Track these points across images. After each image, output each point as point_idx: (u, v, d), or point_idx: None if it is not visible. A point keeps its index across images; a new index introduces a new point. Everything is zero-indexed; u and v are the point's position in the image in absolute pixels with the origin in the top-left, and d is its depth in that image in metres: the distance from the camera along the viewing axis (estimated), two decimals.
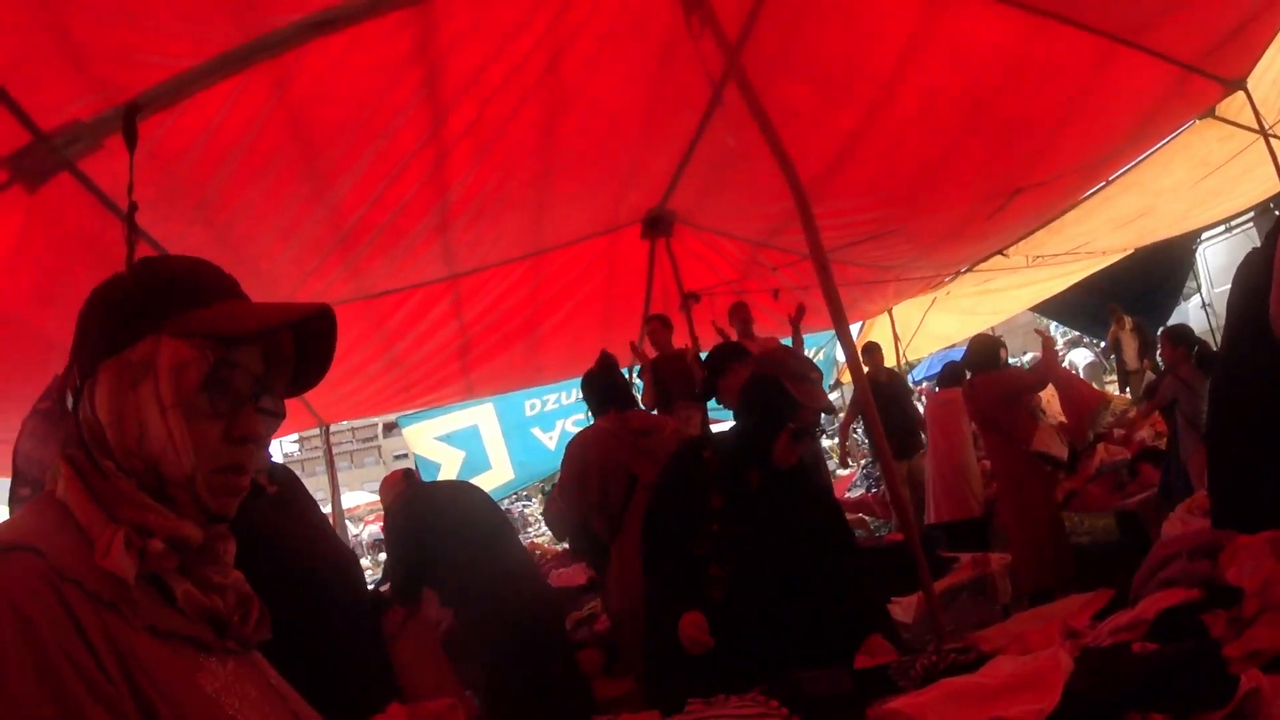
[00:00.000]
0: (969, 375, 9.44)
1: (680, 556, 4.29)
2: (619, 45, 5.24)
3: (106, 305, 1.52)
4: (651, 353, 8.87)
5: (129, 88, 3.96)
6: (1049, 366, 9.39)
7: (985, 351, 9.34)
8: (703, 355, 8.68)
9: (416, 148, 5.50)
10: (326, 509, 11.15)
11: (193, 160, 4.68)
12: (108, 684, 1.24)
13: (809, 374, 4.32)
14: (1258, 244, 5.80)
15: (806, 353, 14.04)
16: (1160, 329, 12.36)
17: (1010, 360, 14.64)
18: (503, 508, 6.34)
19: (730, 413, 5.50)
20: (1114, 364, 20.19)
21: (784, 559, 4.24)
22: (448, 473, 13.98)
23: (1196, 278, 19.71)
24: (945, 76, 6.25)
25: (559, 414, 14.65)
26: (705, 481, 4.33)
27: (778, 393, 4.28)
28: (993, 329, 19.54)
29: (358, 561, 5.27)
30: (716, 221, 9.02)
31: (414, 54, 4.65)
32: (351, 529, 30.70)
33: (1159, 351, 10.83)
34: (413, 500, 6.07)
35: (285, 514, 4.15)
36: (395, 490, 6.29)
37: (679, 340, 9.22)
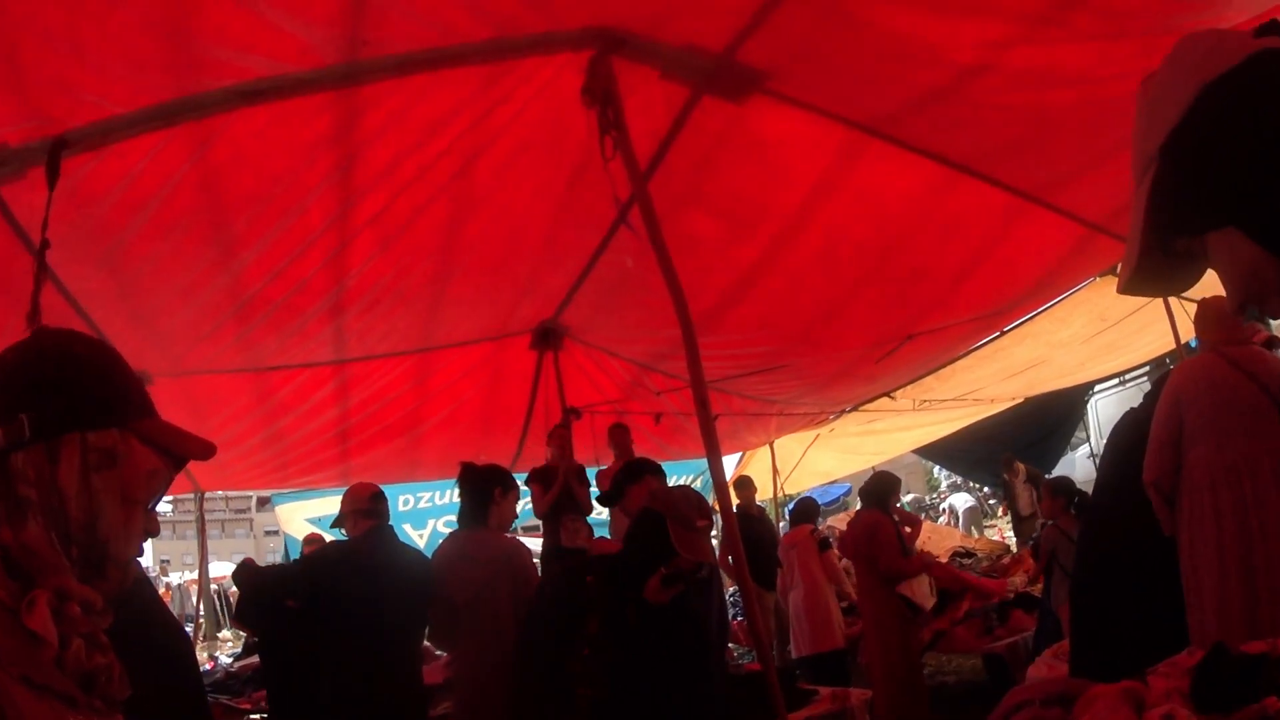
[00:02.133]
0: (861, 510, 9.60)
1: (552, 668, 4.30)
2: (533, 157, 5.32)
3: (71, 377, 1.58)
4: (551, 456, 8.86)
5: (60, 121, 3.95)
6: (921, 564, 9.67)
7: (878, 490, 9.52)
8: (590, 471, 8.77)
9: (321, 229, 5.50)
10: (195, 574, 10.94)
11: (109, 206, 4.67)
12: None
13: (695, 521, 4.33)
14: None
15: (686, 478, 14.12)
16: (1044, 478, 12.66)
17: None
18: None
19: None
20: (997, 510, 20.58)
21: (651, 693, 4.26)
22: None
23: (1086, 428, 20.17)
24: (852, 221, 6.38)
25: (432, 513, 14.63)
26: (584, 604, 4.35)
27: (658, 533, 4.28)
28: (874, 469, 19.80)
29: (187, 637, 5.20)
30: (606, 340, 9.12)
31: (333, 137, 4.67)
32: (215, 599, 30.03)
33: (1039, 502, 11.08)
34: (365, 541, 6.05)
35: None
36: (359, 514, 6.21)
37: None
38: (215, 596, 33.06)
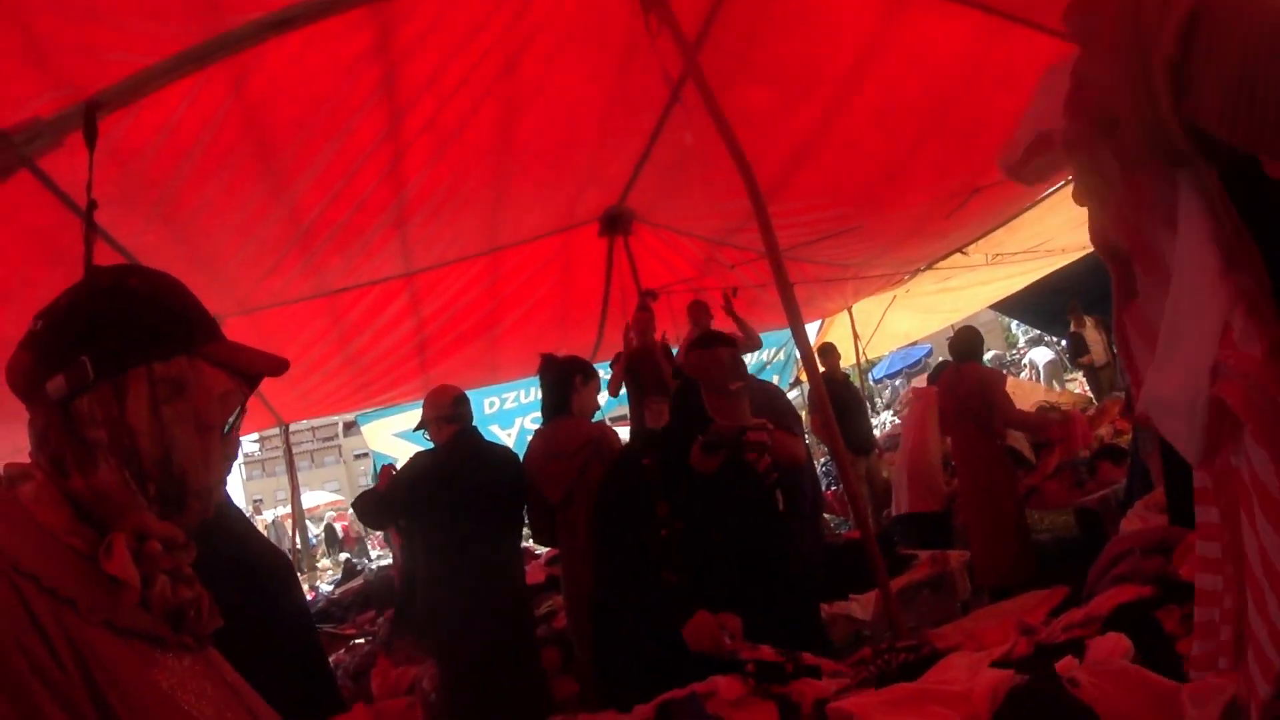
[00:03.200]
0: (956, 364, 9.46)
1: (632, 564, 4.29)
2: (577, 45, 5.24)
3: (128, 310, 1.56)
4: (635, 341, 8.81)
5: (89, 85, 3.93)
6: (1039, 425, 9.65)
7: (971, 344, 9.36)
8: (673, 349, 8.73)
9: (373, 145, 5.47)
10: (287, 508, 11.14)
11: (151, 158, 4.65)
12: (63, 678, 1.25)
13: (728, 385, 4.29)
14: None
15: (767, 352, 14.06)
16: None
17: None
18: None
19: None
20: (1071, 363, 20.33)
21: (734, 553, 4.25)
22: None
23: None
24: (903, 78, 6.26)
25: (518, 412, 14.67)
26: (647, 489, 4.31)
27: (694, 403, 4.28)
28: (953, 327, 19.64)
29: (290, 564, 5.26)
30: (674, 220, 9.02)
31: (372, 52, 4.63)
32: (312, 528, 30.67)
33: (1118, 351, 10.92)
34: (452, 448, 6.06)
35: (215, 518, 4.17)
36: (442, 420, 6.22)
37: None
38: (319, 527, 33.77)
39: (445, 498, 5.72)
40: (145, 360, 1.52)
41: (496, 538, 5.85)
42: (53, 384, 1.48)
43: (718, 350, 4.46)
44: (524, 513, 6.14)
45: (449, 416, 6.17)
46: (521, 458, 6.33)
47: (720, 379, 4.28)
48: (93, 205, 4.12)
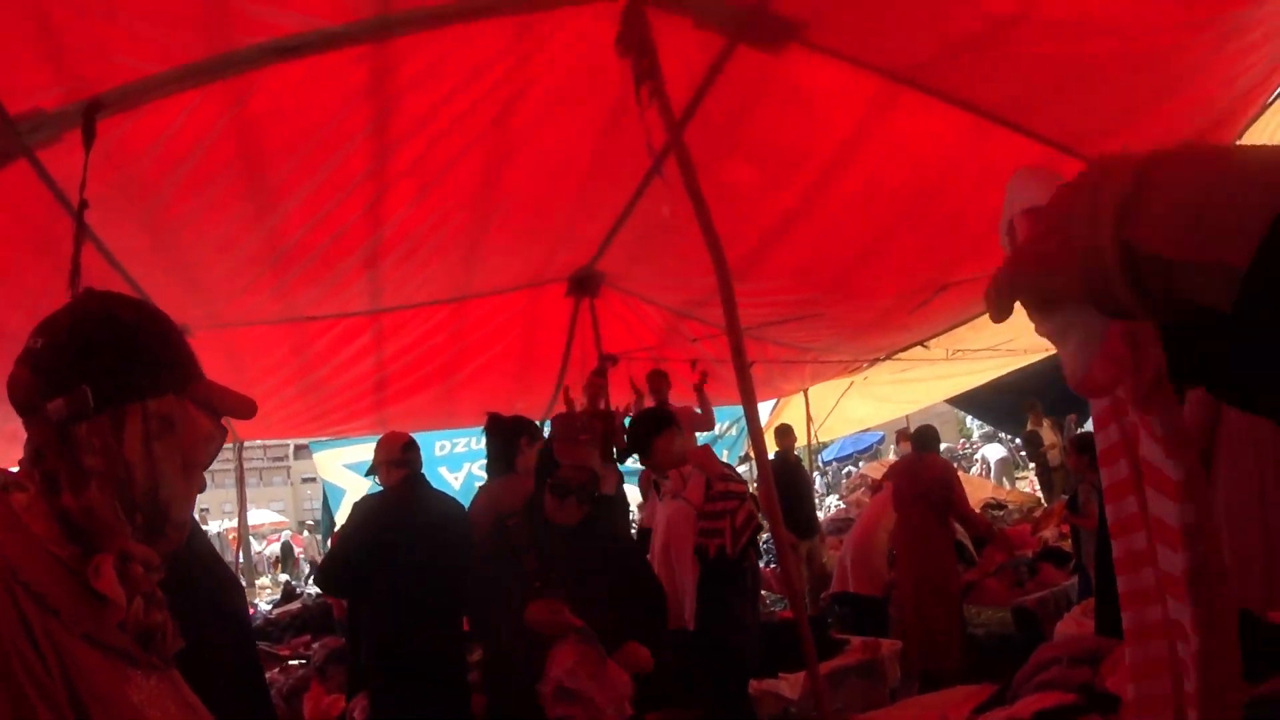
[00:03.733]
0: (919, 453, 9.65)
1: (509, 616, 4.51)
2: (569, 105, 5.33)
3: (128, 344, 1.63)
4: (583, 404, 8.91)
5: (94, 84, 4.00)
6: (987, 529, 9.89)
7: (934, 437, 9.67)
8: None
9: (358, 180, 5.53)
10: (233, 522, 11.18)
11: (145, 165, 4.73)
12: (49, 682, 1.31)
13: (577, 436, 4.62)
14: None
15: (720, 425, 14.18)
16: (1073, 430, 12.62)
17: None
18: None
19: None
20: (1025, 459, 20.51)
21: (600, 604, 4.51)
22: (353, 499, 14.05)
23: None
24: (884, 169, 6.35)
25: (467, 457, 14.74)
26: (515, 548, 4.53)
27: (546, 454, 4.63)
28: (908, 417, 19.78)
29: (243, 588, 5.30)
30: (642, 287, 9.11)
31: (369, 88, 4.70)
32: (255, 545, 30.49)
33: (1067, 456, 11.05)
34: (399, 494, 6.24)
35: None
36: (391, 464, 6.38)
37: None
38: (260, 544, 33.60)
39: (391, 536, 5.81)
40: (142, 396, 1.58)
41: (437, 580, 5.89)
42: (53, 406, 1.53)
43: (569, 413, 4.72)
44: (466, 561, 6.21)
45: (398, 461, 6.37)
46: (467, 507, 6.44)
47: (570, 431, 4.50)
48: (84, 205, 4.18)
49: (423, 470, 6.59)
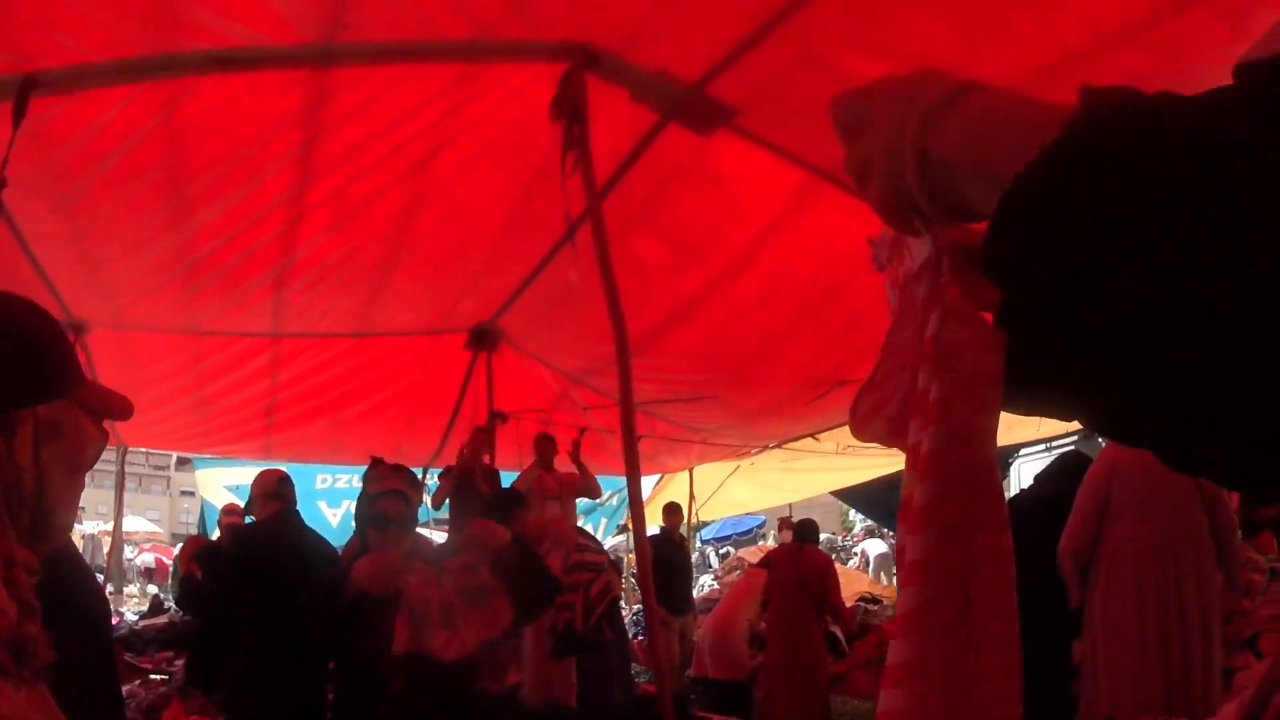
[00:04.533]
0: (799, 544, 9.84)
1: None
2: (493, 159, 5.37)
3: (18, 349, 1.60)
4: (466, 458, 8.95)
5: (33, 59, 3.97)
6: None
7: (815, 530, 9.89)
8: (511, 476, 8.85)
9: (276, 202, 5.54)
10: (109, 525, 10.99)
11: (70, 152, 4.72)
12: None
13: (388, 479, 4.93)
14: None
15: (606, 494, 14.27)
16: None
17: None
18: None
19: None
20: None
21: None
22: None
23: (1008, 490, 20.27)
24: (796, 261, 6.42)
25: (348, 494, 14.65)
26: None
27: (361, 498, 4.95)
28: (790, 506, 19.88)
29: (107, 602, 5.23)
30: (541, 349, 9.15)
31: (301, 114, 4.71)
32: (127, 552, 29.75)
33: None
34: (270, 527, 6.26)
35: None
36: (266, 498, 6.42)
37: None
38: (132, 551, 32.80)
39: (260, 569, 5.79)
40: (33, 401, 1.57)
41: (301, 614, 5.85)
42: None
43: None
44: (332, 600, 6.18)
45: (273, 495, 6.43)
46: (342, 547, 6.42)
47: (380, 476, 4.91)
48: (2, 182, 4.12)
49: (297, 506, 6.63)
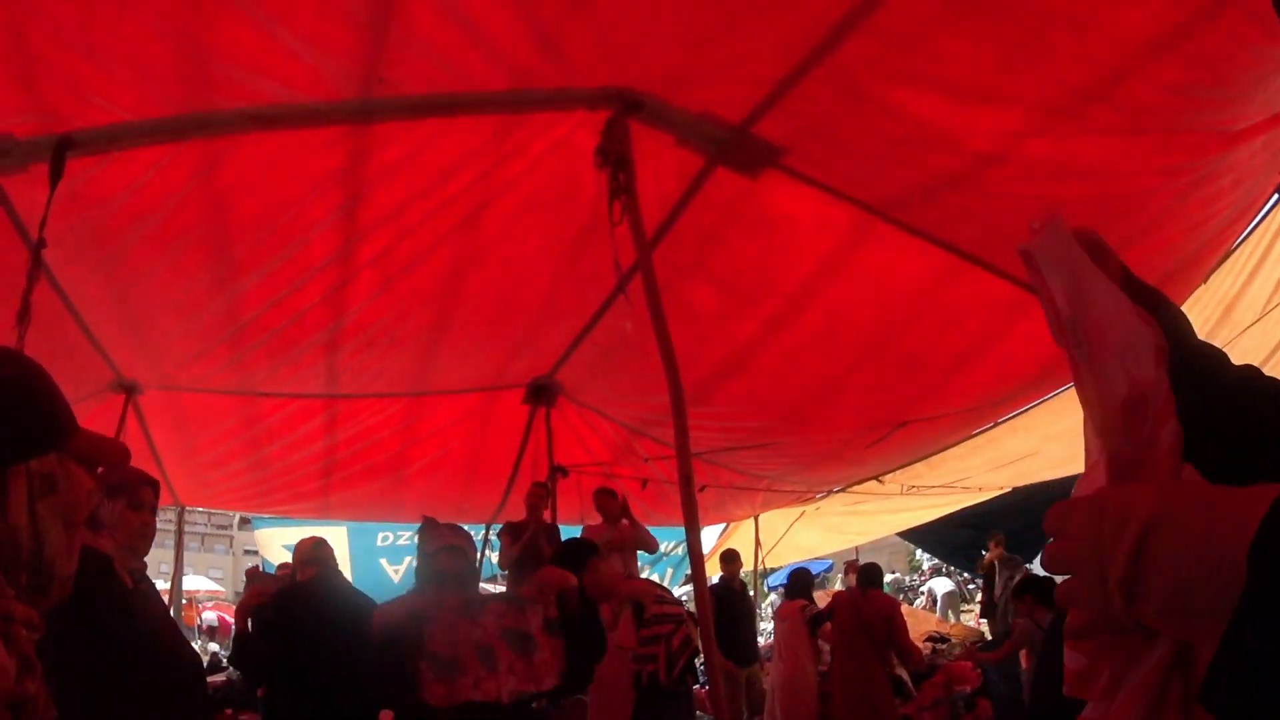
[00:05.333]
0: (863, 589, 9.76)
1: None
2: (540, 213, 5.30)
3: (13, 406, 1.54)
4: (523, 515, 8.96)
5: (67, 120, 3.95)
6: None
7: (878, 575, 9.81)
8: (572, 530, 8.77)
9: (323, 263, 5.49)
10: (168, 584, 11.07)
11: (111, 212, 4.68)
12: None
13: (444, 536, 4.84)
14: None
15: (667, 544, 14.18)
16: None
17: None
18: None
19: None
20: (975, 595, 20.47)
21: None
22: None
23: None
24: (853, 302, 6.31)
25: (410, 550, 14.62)
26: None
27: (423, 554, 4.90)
28: (857, 548, 19.70)
29: (200, 663, 5.20)
30: (599, 402, 9.07)
31: (342, 172, 4.67)
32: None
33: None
34: (310, 588, 6.32)
35: (137, 606, 4.07)
36: (305, 564, 6.58)
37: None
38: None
39: (299, 627, 5.80)
40: (26, 457, 1.50)
41: (347, 683, 5.81)
42: None
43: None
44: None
45: (310, 560, 6.60)
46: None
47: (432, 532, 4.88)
48: (42, 243, 4.10)
49: (336, 567, 6.77)
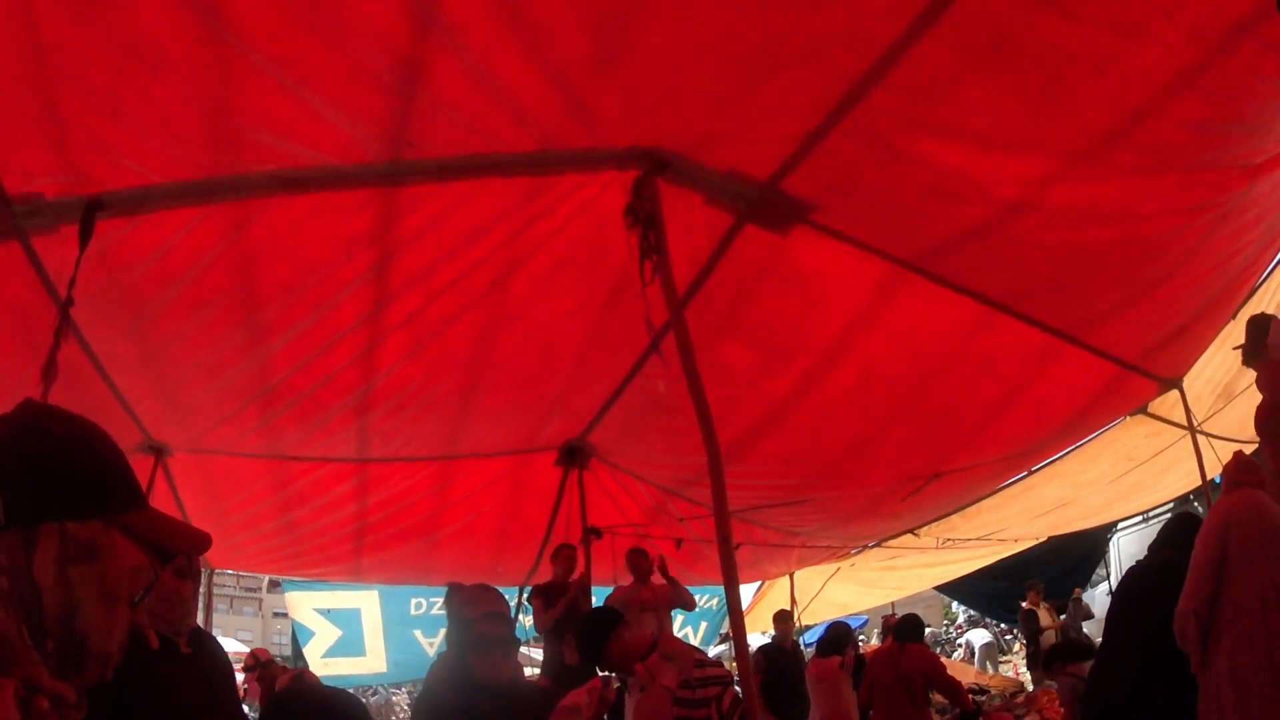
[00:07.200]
0: (900, 643, 9.72)
1: None
2: (570, 274, 5.28)
3: (51, 461, 1.51)
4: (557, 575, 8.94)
5: (96, 182, 3.95)
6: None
7: (917, 627, 9.87)
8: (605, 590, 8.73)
9: (352, 326, 5.47)
10: None
11: (139, 274, 4.67)
12: None
13: (486, 601, 4.61)
14: None
15: (702, 598, 14.05)
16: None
17: None
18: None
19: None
20: (1013, 646, 20.26)
21: None
22: (320, 645, 13.86)
23: (1107, 565, 19.85)
24: (885, 356, 6.30)
25: (444, 621, 14.44)
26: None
27: (455, 618, 4.69)
28: (893, 604, 19.53)
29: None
30: (632, 463, 9.03)
31: (371, 234, 4.65)
32: None
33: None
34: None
35: (189, 676, 4.03)
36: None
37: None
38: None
39: None
40: (59, 517, 1.46)
41: None
42: None
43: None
44: None
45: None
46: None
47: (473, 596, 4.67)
48: (70, 302, 4.10)
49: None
